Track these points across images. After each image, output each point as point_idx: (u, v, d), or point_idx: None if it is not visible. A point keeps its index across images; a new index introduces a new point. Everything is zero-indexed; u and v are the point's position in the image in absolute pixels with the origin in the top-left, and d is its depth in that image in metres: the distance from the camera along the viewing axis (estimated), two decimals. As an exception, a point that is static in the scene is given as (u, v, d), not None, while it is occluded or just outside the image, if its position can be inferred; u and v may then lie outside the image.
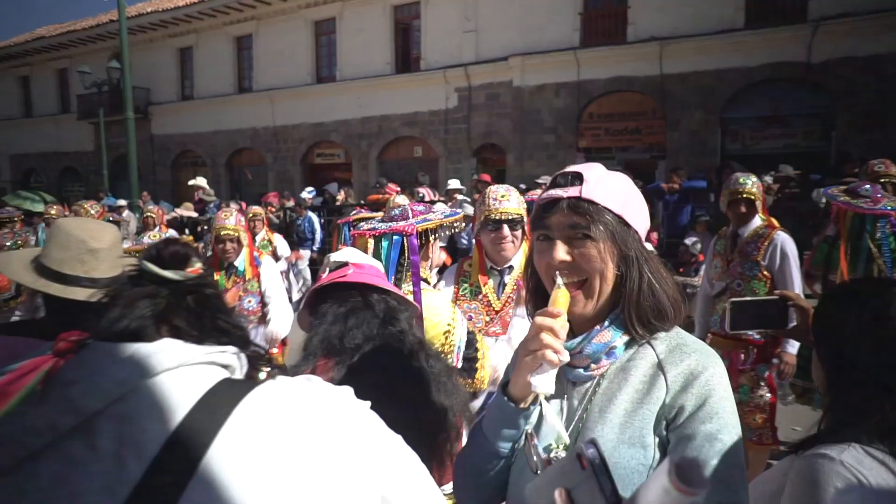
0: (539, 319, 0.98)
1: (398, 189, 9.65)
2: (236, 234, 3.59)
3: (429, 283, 2.18)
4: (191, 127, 20.78)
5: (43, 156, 25.36)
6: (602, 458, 0.65)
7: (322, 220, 9.72)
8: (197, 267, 0.90)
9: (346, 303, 1.48)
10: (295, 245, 8.69)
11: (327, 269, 1.61)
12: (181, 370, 0.77)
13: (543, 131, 14.40)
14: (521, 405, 1.03)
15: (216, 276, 3.61)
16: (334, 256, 1.64)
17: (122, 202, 11.13)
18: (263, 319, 3.65)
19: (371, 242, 2.08)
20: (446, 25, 15.54)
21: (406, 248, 2.06)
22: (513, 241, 2.48)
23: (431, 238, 2.20)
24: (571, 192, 1.04)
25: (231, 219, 3.62)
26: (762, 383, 3.35)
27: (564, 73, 13.92)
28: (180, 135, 21.18)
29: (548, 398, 1.01)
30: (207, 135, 20.45)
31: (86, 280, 1.61)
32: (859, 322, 1.09)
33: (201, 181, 12.38)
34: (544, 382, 0.96)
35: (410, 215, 2.20)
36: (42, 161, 25.55)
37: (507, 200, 2.47)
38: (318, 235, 9.22)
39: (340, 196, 10.91)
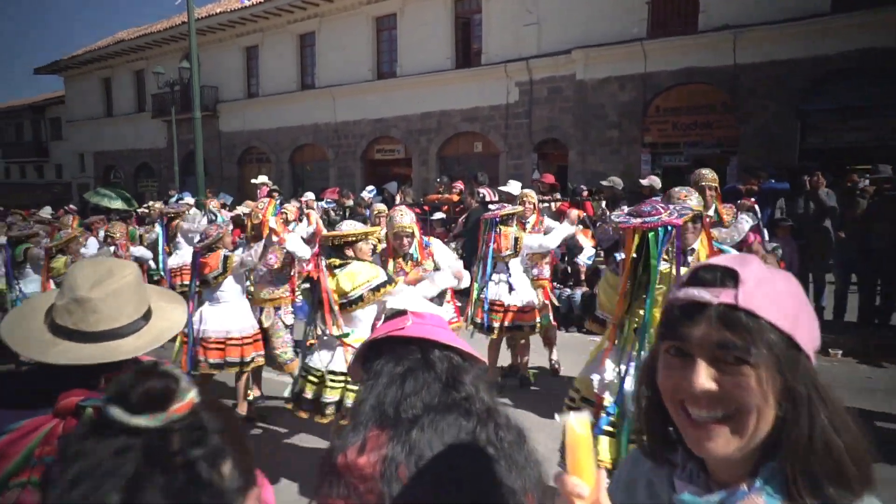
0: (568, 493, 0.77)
1: (463, 187, 9.56)
2: (411, 230, 3.98)
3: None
4: (255, 124, 21.36)
5: (121, 153, 26.74)
6: None
7: (381, 219, 9.74)
8: (188, 400, 0.70)
9: (403, 361, 1.31)
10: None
11: (383, 317, 1.50)
12: None
13: (607, 126, 13.94)
14: None
15: (390, 263, 4.03)
16: (391, 302, 1.52)
17: (191, 199, 11.46)
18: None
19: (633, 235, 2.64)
20: (507, 19, 15.26)
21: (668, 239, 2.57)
22: (693, 232, 3.10)
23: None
24: (724, 296, 0.78)
25: (406, 217, 4.01)
26: None
27: (630, 65, 13.41)
28: (246, 131, 21.81)
29: None
30: (271, 131, 20.96)
31: (77, 334, 1.36)
32: None
33: (263, 178, 12.65)
34: None
35: (662, 210, 2.64)
36: (120, 158, 26.94)
37: (691, 199, 3.11)
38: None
39: (399, 195, 10.90)
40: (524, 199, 5.89)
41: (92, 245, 8.04)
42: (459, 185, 9.66)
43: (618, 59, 13.56)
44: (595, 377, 2.80)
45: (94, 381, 1.36)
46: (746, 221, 4.89)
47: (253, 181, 13.19)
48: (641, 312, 2.74)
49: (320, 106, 19.34)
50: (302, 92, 20.02)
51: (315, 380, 3.49)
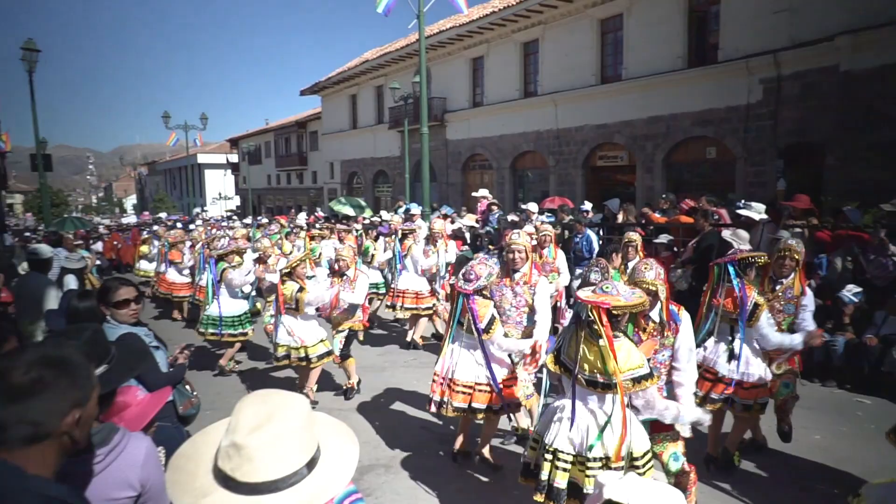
0: None
1: (692, 204, 8.76)
2: (654, 289, 3.34)
3: None
4: (479, 132, 22.21)
5: (362, 161, 29.97)
6: None
7: (601, 239, 9.33)
8: None
9: None
10: (571, 263, 8.43)
11: None
12: None
13: (883, 125, 11.61)
14: None
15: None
16: (610, 491, 1.14)
17: (417, 210, 12.21)
18: (669, 375, 3.48)
19: None
20: (752, 8, 13.59)
21: None
22: None
23: None
24: None
25: (651, 272, 3.37)
26: None
27: (916, 49, 11.01)
28: (470, 139, 22.81)
29: None
30: (493, 139, 21.61)
31: (232, 483, 1.22)
32: None
33: (484, 192, 13.06)
34: None
35: None
36: (361, 165, 30.21)
37: None
38: (596, 255, 8.87)
39: (621, 214, 10.35)
40: (786, 251, 4.44)
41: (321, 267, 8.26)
42: (689, 204, 8.82)
43: (899, 43, 11.23)
44: None
45: None
46: None
47: (474, 194, 13.71)
48: None
49: (541, 113, 19.38)
50: (524, 100, 20.27)
51: (550, 457, 3.06)
